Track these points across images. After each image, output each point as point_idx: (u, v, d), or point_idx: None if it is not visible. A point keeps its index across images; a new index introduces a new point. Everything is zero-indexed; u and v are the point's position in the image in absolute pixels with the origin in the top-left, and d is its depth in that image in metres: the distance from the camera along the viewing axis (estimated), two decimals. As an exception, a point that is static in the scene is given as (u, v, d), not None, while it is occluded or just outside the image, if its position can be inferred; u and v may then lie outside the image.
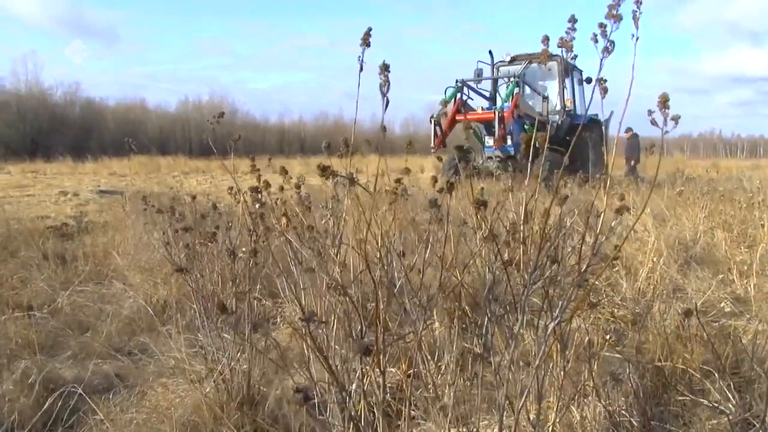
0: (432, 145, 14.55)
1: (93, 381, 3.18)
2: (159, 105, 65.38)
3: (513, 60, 15.74)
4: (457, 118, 14.37)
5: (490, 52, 15.68)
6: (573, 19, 1.79)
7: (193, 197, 3.62)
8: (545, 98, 15.18)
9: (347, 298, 1.53)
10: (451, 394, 1.71)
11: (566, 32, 1.78)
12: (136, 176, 20.06)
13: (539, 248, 1.63)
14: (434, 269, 1.83)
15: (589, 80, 16.54)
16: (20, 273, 5.20)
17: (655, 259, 4.85)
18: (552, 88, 15.85)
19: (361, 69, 1.59)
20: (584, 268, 1.64)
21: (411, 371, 1.89)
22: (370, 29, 1.61)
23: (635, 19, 1.62)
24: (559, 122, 15.38)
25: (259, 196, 2.02)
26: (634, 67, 1.67)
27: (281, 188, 2.06)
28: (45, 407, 2.67)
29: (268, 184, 1.96)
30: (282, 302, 3.99)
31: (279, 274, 3.77)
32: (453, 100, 14.67)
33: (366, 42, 1.58)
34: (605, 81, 1.64)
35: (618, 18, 1.56)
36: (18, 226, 7.04)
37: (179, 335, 3.46)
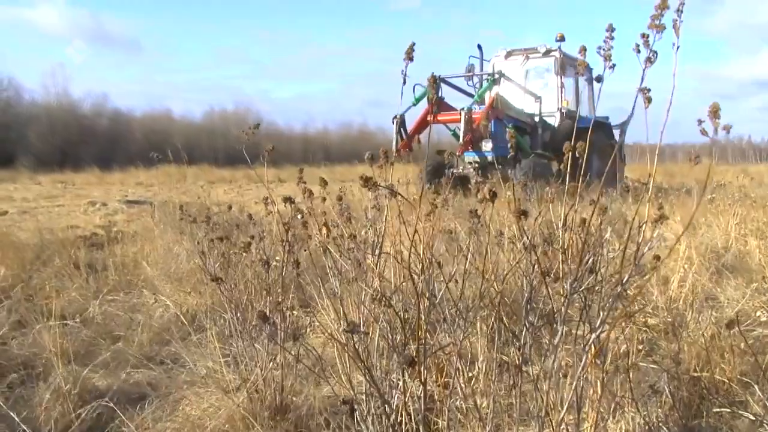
0: (394, 149, 12.36)
1: (126, 390, 3.20)
2: (185, 115, 66.22)
3: (509, 55, 14.61)
4: (428, 119, 12.75)
5: (479, 46, 14.28)
6: (611, 28, 1.77)
7: (229, 207, 3.64)
8: (537, 98, 13.99)
9: (391, 309, 1.53)
10: (490, 404, 1.69)
11: (604, 41, 1.77)
12: (162, 186, 20.27)
13: (579, 258, 1.61)
14: (470, 279, 1.82)
15: (599, 79, 15.66)
16: (53, 282, 5.27)
17: (686, 267, 4.78)
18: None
19: (405, 82, 1.59)
20: (625, 278, 1.62)
21: (447, 381, 1.88)
22: (413, 44, 1.60)
23: (676, 28, 1.60)
24: (556, 125, 14.09)
25: (297, 205, 2.03)
26: (674, 75, 1.65)
27: (323, 199, 2.06)
28: (81, 417, 2.69)
29: (311, 193, 1.96)
30: (313, 312, 3.99)
31: (309, 283, 3.79)
32: (433, 99, 13.45)
33: (409, 56, 1.58)
34: (649, 90, 1.62)
35: (661, 28, 1.54)
36: (50, 236, 7.13)
37: (210, 344, 3.48)
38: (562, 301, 1.69)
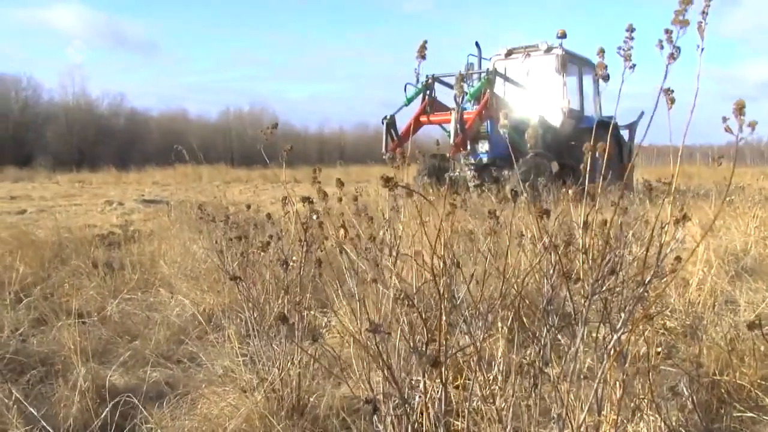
0: (383, 150, 12.14)
1: (143, 388, 3.22)
2: (200, 115, 66.66)
3: (510, 53, 13.91)
4: (421, 119, 12.60)
5: (477, 44, 13.54)
6: (630, 28, 1.76)
7: (248, 207, 3.65)
8: (536, 98, 13.16)
9: (414, 310, 1.52)
10: (510, 406, 1.68)
11: (624, 41, 1.75)
12: (178, 186, 20.41)
13: (601, 259, 1.60)
14: (489, 280, 1.81)
15: (606, 78, 15.06)
16: (71, 280, 5.31)
17: (704, 269, 4.74)
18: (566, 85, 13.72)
19: (417, 80, 1.58)
20: (647, 280, 1.61)
21: (465, 383, 1.87)
22: (425, 42, 1.60)
23: (701, 30, 1.59)
24: (557, 125, 13.31)
25: (314, 206, 2.04)
26: (698, 77, 1.63)
27: (339, 199, 2.07)
28: (102, 414, 2.71)
29: (325, 194, 1.97)
30: (331, 312, 3.99)
31: (325, 284, 3.79)
32: (424, 99, 12.64)
33: (422, 55, 1.58)
34: (672, 91, 1.60)
35: (685, 23, 1.53)
36: (68, 235, 7.19)
37: (227, 344, 3.49)
38: (583, 302, 1.68)
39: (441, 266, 1.58)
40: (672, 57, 1.58)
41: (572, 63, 13.69)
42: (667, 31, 1.57)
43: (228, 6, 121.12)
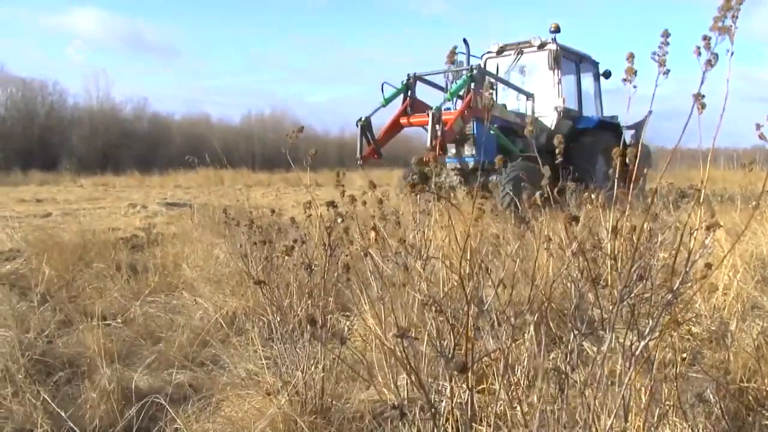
0: (358, 156, 11.41)
1: (167, 390, 3.24)
2: (222, 119, 67.10)
3: (501, 50, 12.98)
4: (401, 121, 11.59)
5: (465, 40, 12.17)
6: (666, 34, 1.74)
7: (272, 211, 3.67)
8: (529, 96, 12.36)
9: (441, 314, 1.52)
10: (536, 411, 1.67)
11: (659, 46, 1.73)
12: (201, 189, 20.57)
13: (630, 265, 1.58)
14: (518, 285, 1.80)
15: (607, 74, 13.63)
16: (95, 283, 5.37)
17: (730, 274, 4.67)
18: (565, 82, 12.79)
19: (446, 86, 1.58)
20: (676, 286, 1.59)
21: (491, 387, 1.86)
22: (455, 47, 1.60)
23: (731, 34, 1.57)
24: (552, 126, 12.40)
25: (338, 210, 2.04)
26: (728, 81, 1.61)
27: (364, 203, 2.07)
28: (127, 416, 2.73)
29: (353, 198, 1.97)
30: (355, 315, 3.99)
31: (347, 288, 3.79)
32: (405, 99, 11.64)
33: (451, 60, 1.57)
34: (703, 97, 1.58)
35: (725, 30, 1.51)
36: (92, 238, 7.27)
37: (250, 347, 3.50)
38: (611, 308, 1.66)
39: (469, 271, 1.58)
40: (709, 64, 1.56)
41: (568, 59, 12.96)
42: (705, 38, 1.55)
43: (247, 10, 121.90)
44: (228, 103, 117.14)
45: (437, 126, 10.27)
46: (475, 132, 11.29)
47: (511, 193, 9.40)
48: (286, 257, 2.65)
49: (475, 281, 1.61)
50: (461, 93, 11.24)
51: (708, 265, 1.73)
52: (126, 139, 48.71)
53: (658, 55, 1.67)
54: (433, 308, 1.45)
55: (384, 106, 11.63)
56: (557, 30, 12.14)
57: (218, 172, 24.48)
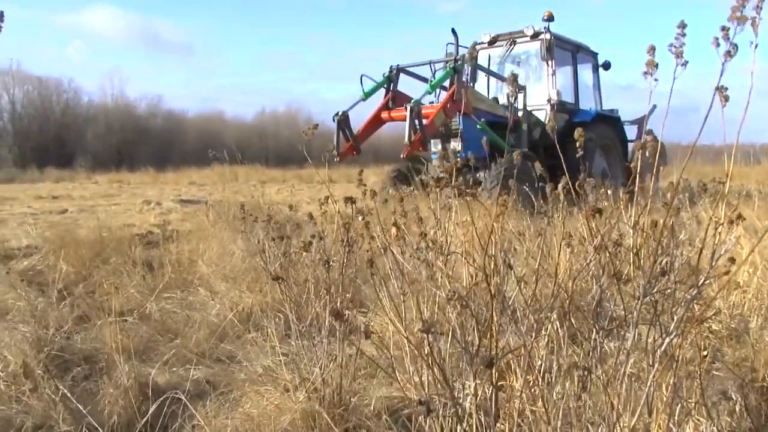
0: (334, 152, 10.69)
1: (185, 386, 3.25)
2: (236, 116, 67.32)
3: (493, 41, 12.24)
4: (382, 116, 11.16)
5: (453, 30, 11.18)
6: (682, 25, 1.71)
7: (290, 207, 3.66)
8: (521, 88, 11.06)
9: (466, 310, 1.51)
10: (559, 408, 1.65)
11: (676, 38, 1.71)
12: (215, 185, 20.64)
13: (653, 260, 1.56)
14: (541, 281, 1.78)
15: (607, 66, 13.27)
16: (112, 279, 5.39)
17: (750, 271, 4.62)
18: (561, 74, 12.30)
19: (469, 82, 1.56)
20: (702, 282, 1.56)
21: (510, 384, 1.85)
22: (475, 44, 1.57)
23: (755, 26, 1.54)
24: (545, 120, 11.81)
25: (357, 206, 2.03)
26: (753, 74, 1.58)
27: (385, 201, 2.05)
28: (146, 411, 2.74)
29: (374, 193, 1.96)
30: (368, 312, 3.99)
31: (364, 284, 3.78)
32: (387, 93, 11.22)
33: (472, 56, 1.55)
34: (726, 89, 1.55)
35: (743, 20, 1.48)
36: (108, 234, 7.31)
37: (267, 343, 3.50)
38: (635, 304, 1.64)
39: (492, 266, 1.56)
40: (729, 54, 1.53)
41: (564, 49, 12.41)
42: (724, 29, 1.52)
43: (264, 9, 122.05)
44: (245, 101, 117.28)
45: (416, 120, 9.86)
46: (461, 127, 10.78)
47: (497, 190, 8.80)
48: (304, 253, 2.64)
49: (499, 277, 1.59)
50: (446, 84, 10.75)
51: (731, 260, 1.70)
52: (140, 136, 49.01)
53: (675, 46, 1.64)
54: (458, 303, 1.44)
55: (364, 99, 11.22)
56: (551, 18, 11.60)
57: (232, 169, 24.56)
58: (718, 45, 1.56)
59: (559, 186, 1.73)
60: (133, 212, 12.83)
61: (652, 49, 1.89)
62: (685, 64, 1.80)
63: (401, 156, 10.37)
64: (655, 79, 1.85)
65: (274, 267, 3.12)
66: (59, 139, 45.17)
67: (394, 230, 1.71)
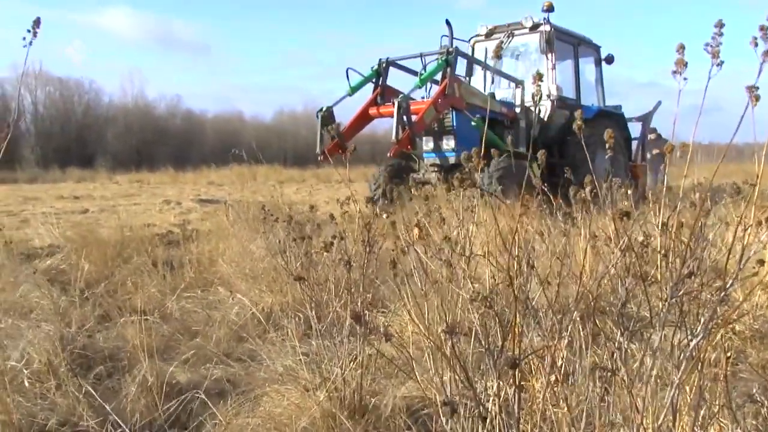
0: (318, 150, 9.87)
1: (206, 385, 3.26)
2: (255, 116, 67.58)
3: (491, 33, 11.79)
4: (371, 111, 10.51)
5: (447, 21, 10.71)
6: (720, 24, 1.69)
7: (311, 207, 3.67)
8: (518, 84, 11.14)
9: (490, 311, 1.50)
10: (583, 410, 1.64)
11: (713, 37, 1.68)
12: (234, 185, 20.76)
13: (681, 262, 1.54)
14: (565, 282, 1.77)
15: (610, 60, 12.69)
16: (133, 278, 5.43)
17: (771, 272, 4.56)
18: (561, 69, 11.73)
19: (492, 80, 1.55)
20: (730, 283, 1.55)
21: (533, 385, 1.84)
22: (501, 42, 1.57)
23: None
24: (545, 117, 11.34)
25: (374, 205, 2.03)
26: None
27: (410, 199, 2.05)
28: (168, 409, 2.76)
29: (400, 195, 1.96)
30: (388, 312, 3.98)
31: (384, 283, 3.77)
32: (375, 87, 10.71)
33: (497, 55, 1.55)
34: (757, 89, 1.53)
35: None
36: (129, 234, 7.37)
37: (288, 342, 3.51)
38: (661, 306, 1.63)
39: (516, 267, 1.55)
40: (767, 54, 1.50)
41: (565, 42, 11.87)
42: (762, 28, 1.50)
43: (280, 7, 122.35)
44: (262, 100, 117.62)
45: (405, 117, 9.32)
46: (454, 124, 10.38)
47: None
48: (325, 253, 2.65)
49: (523, 277, 1.58)
50: (437, 78, 10.22)
51: (760, 262, 1.69)
52: (160, 136, 49.39)
53: (712, 46, 1.62)
54: (482, 304, 1.43)
55: (350, 95, 10.63)
56: (550, 9, 10.99)
57: (251, 169, 24.67)
58: (756, 45, 1.54)
59: (586, 189, 1.71)
60: (154, 212, 12.93)
61: (682, 48, 1.86)
62: (720, 64, 1.77)
63: (388, 155, 10.04)
64: (685, 78, 1.82)
65: (295, 267, 3.13)
66: (80, 139, 45.64)
67: (416, 230, 1.71)
